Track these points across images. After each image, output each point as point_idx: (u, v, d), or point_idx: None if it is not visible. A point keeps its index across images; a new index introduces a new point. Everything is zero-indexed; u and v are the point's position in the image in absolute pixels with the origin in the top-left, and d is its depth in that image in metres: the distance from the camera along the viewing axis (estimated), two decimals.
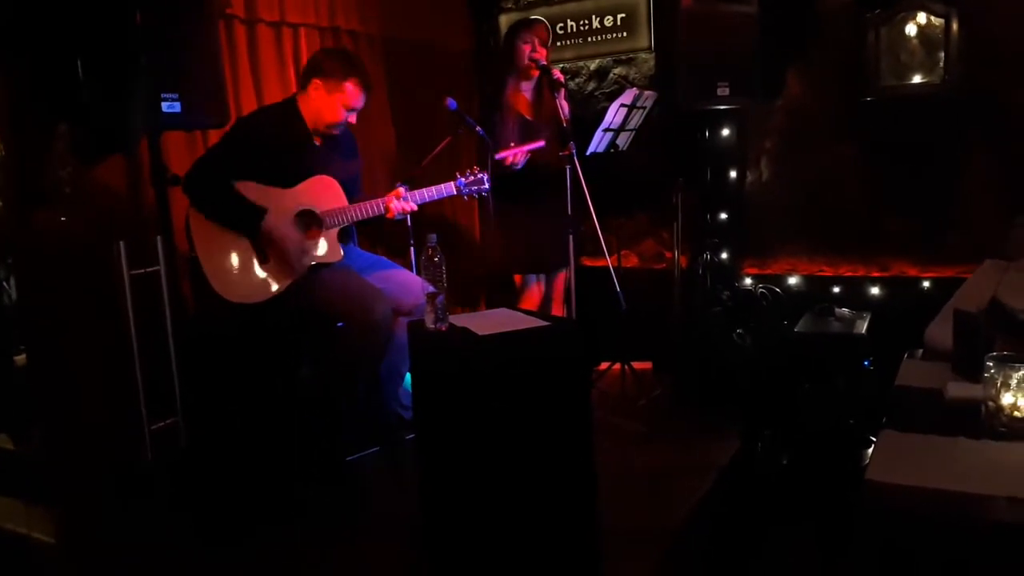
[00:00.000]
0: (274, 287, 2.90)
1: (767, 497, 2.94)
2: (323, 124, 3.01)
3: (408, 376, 3.08)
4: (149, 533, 2.62)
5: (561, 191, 3.40)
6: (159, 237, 2.85)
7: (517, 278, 3.80)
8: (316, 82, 2.97)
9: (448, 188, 3.10)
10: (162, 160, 2.84)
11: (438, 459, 2.24)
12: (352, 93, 2.97)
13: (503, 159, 3.31)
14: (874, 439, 2.72)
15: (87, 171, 3.00)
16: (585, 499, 2.17)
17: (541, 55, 3.46)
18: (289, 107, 3.03)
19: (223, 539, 2.59)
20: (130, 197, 3.08)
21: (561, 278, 3.78)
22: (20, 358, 3.76)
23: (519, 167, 3.40)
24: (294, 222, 2.94)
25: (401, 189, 3.06)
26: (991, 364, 2.04)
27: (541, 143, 3.41)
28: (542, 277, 3.80)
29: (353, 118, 3.03)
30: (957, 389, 2.29)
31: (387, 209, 3.03)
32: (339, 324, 2.95)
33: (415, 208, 3.08)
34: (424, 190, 3.10)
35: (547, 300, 3.80)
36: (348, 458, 3.04)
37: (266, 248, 2.91)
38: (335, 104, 2.96)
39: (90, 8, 2.56)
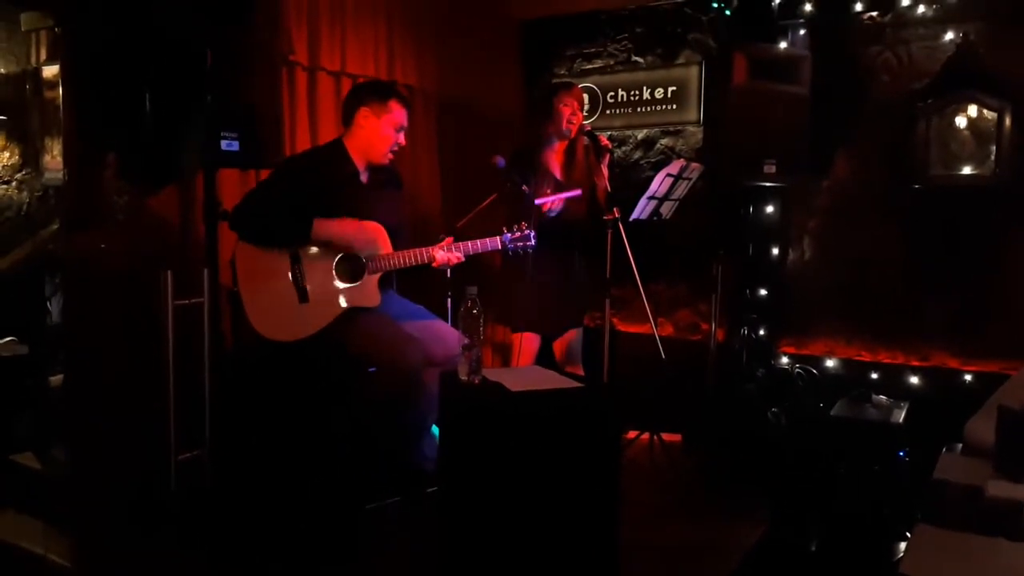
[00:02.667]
0: (310, 328, 2.93)
1: None
2: (377, 153, 3.08)
3: (435, 428, 3.06)
4: (163, 565, 2.61)
5: (575, 252, 3.49)
6: (206, 270, 2.91)
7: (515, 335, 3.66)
8: (363, 111, 3.05)
9: (494, 242, 3.12)
10: (215, 195, 2.91)
11: (460, 513, 2.21)
12: (398, 111, 3.06)
13: (541, 204, 3.34)
14: (908, 532, 2.64)
15: (142, 200, 3.08)
16: (605, 570, 2.12)
17: (579, 119, 3.52)
18: (337, 147, 3.10)
19: None
20: (181, 229, 3.16)
21: (565, 339, 3.63)
22: (56, 378, 3.82)
23: (554, 214, 3.42)
24: (335, 267, 2.99)
25: (449, 239, 3.10)
26: None
27: (578, 192, 3.43)
28: (539, 336, 3.65)
29: (403, 138, 3.10)
30: (998, 488, 2.22)
31: (433, 259, 3.06)
32: (371, 369, 2.95)
33: (461, 259, 3.10)
34: (469, 243, 3.12)
35: (549, 360, 3.62)
36: (367, 506, 3.01)
37: (312, 263, 2.95)
38: (385, 127, 3.05)
39: (164, 46, 2.66)
